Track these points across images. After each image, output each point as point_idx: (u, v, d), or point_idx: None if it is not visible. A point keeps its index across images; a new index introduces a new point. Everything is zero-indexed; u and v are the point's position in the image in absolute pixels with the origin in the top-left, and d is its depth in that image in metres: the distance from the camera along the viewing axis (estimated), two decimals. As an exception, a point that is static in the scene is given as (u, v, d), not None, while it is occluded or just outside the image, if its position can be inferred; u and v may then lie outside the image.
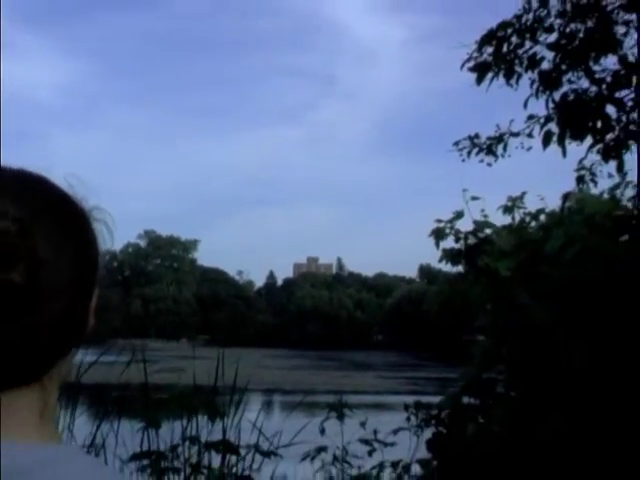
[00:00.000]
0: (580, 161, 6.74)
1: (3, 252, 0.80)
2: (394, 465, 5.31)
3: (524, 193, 5.80)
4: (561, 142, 6.31)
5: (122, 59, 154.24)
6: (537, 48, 6.64)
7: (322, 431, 5.54)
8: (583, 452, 4.42)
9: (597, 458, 4.37)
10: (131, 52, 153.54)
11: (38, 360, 0.85)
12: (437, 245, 5.60)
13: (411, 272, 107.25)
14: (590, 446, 4.44)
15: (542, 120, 6.52)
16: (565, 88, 6.52)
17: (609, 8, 6.52)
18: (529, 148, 6.98)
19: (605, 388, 4.52)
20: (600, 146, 6.37)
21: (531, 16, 6.66)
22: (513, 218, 5.70)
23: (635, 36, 6.49)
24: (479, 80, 6.72)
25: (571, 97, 6.48)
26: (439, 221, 5.57)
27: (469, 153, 7.13)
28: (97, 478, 0.87)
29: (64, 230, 0.88)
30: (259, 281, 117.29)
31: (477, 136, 7.10)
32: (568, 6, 6.59)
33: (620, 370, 4.55)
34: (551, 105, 6.50)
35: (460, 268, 5.76)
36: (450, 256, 5.63)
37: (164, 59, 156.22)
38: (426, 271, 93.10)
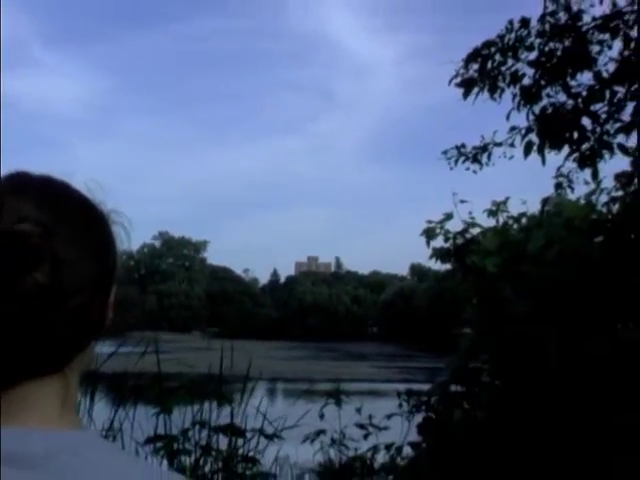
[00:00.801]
0: (558, 169, 6.74)
1: (27, 253, 0.80)
2: (387, 447, 5.30)
3: (507, 198, 5.79)
4: (541, 151, 6.31)
5: (138, 75, 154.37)
6: (519, 65, 6.65)
7: (321, 416, 5.53)
8: (560, 438, 4.43)
9: (569, 441, 4.38)
10: (147, 68, 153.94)
11: (60, 352, 0.85)
12: (428, 244, 5.58)
13: (403, 270, 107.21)
14: (563, 430, 4.45)
15: (523, 131, 6.51)
16: (544, 102, 6.53)
17: (584, 29, 6.52)
18: (511, 157, 6.97)
19: (579, 378, 4.52)
20: (576, 155, 6.36)
21: (513, 36, 6.66)
22: (497, 221, 5.69)
23: (609, 54, 6.50)
24: (465, 94, 6.72)
25: (550, 110, 6.48)
26: (430, 222, 5.56)
27: (456, 161, 7.12)
28: (114, 462, 0.87)
29: (84, 232, 0.87)
30: (263, 278, 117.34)
31: (463, 146, 7.10)
32: (547, 27, 6.59)
33: (594, 360, 4.56)
34: (531, 117, 6.50)
35: (448, 266, 5.75)
36: (440, 254, 5.61)
37: (177, 75, 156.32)
38: (417, 269, 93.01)
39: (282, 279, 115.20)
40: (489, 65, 6.64)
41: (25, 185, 0.87)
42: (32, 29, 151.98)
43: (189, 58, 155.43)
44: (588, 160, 6.30)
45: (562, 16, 6.58)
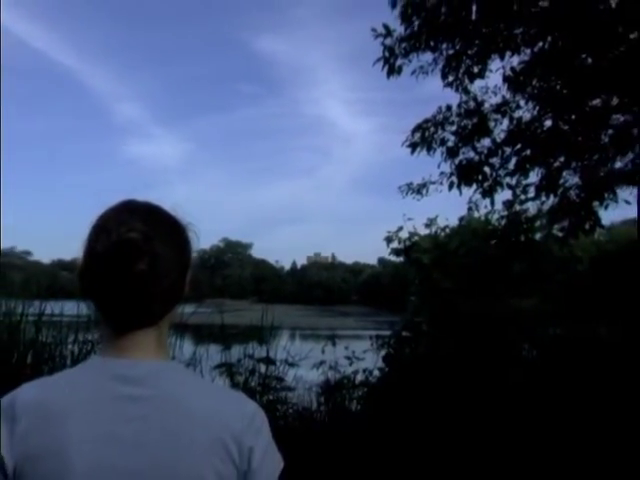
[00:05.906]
0: (469, 198, 6.71)
1: (135, 251, 0.81)
2: (364, 371, 5.27)
3: (437, 216, 5.82)
4: (458, 187, 6.31)
5: (210, 141, 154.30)
6: (445, 134, 6.62)
7: (322, 351, 5.48)
8: (470, 362, 4.43)
9: (476, 363, 4.38)
10: (215, 137, 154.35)
11: (156, 312, 0.86)
12: (387, 245, 5.60)
13: (374, 261, 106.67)
14: (472, 357, 4.44)
15: (448, 175, 6.50)
16: (461, 157, 6.52)
17: (485, 111, 6.54)
18: (441, 191, 6.92)
19: (480, 326, 4.53)
20: (480, 190, 6.35)
21: (442, 116, 6.64)
22: (431, 230, 5.70)
23: (500, 127, 6.53)
24: (412, 152, 6.68)
25: (464, 162, 6.48)
26: (389, 232, 5.59)
27: (406, 193, 7.07)
28: (192, 380, 0.87)
29: (172, 237, 0.88)
30: (287, 266, 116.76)
31: (411, 183, 7.01)
32: (462, 110, 6.60)
33: (490, 317, 4.56)
34: (453, 166, 6.50)
35: (401, 259, 5.76)
36: (395, 252, 5.63)
37: (233, 141, 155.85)
38: (382, 261, 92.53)
39: (299, 267, 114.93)
40: (427, 134, 6.62)
41: (133, 208, 0.88)
42: (145, 111, 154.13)
43: (240, 130, 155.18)
44: (488, 193, 6.29)
45: (471, 103, 6.59)
